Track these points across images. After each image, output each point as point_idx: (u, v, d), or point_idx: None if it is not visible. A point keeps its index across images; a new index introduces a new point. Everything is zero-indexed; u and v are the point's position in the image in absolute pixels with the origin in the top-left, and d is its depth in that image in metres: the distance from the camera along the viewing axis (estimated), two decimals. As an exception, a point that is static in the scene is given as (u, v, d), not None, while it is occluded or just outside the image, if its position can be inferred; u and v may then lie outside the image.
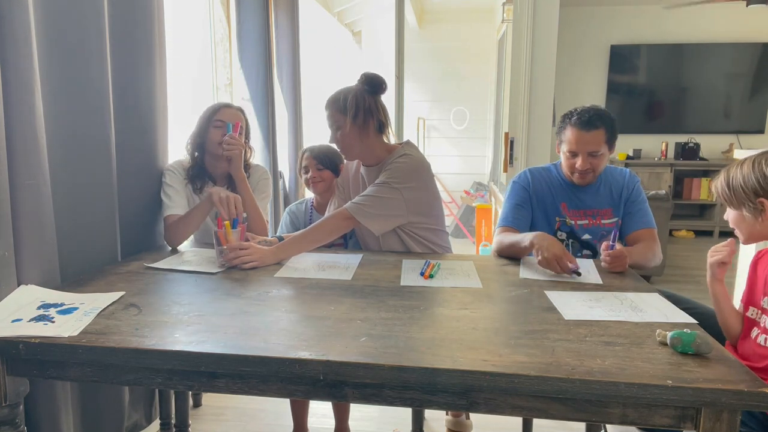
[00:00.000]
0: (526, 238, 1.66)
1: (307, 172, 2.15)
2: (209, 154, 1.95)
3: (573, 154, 1.83)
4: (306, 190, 2.14)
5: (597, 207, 1.90)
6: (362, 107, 1.76)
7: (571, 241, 1.92)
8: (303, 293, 1.39)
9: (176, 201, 1.89)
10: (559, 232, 1.92)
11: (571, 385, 0.92)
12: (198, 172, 1.96)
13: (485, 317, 1.21)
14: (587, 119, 1.78)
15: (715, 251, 1.41)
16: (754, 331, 1.35)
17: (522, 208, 1.92)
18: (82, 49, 1.52)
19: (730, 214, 1.41)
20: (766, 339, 1.31)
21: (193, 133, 1.95)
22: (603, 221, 1.90)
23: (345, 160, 2.03)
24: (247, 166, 2.03)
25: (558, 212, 1.92)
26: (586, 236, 1.91)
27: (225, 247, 1.60)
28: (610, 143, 1.82)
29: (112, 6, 1.64)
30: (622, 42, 6.04)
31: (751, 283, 1.41)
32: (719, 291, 1.42)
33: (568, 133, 1.82)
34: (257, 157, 2.93)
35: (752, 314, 1.38)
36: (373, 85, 1.78)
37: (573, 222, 1.91)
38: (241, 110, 2.02)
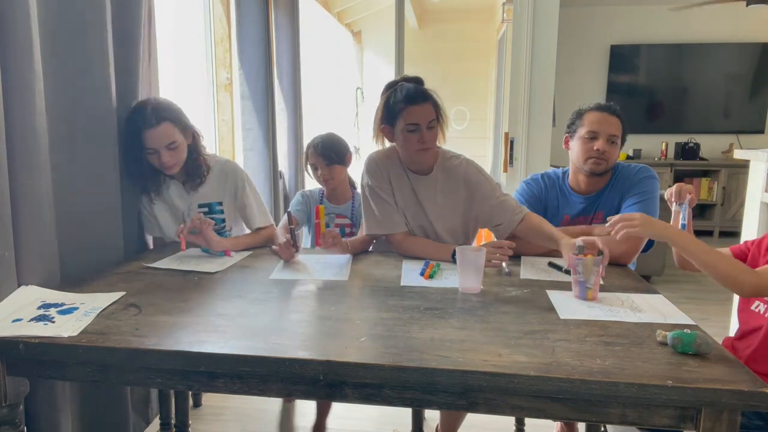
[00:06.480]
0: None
1: (316, 170, 2.07)
2: None
3: (593, 136, 1.81)
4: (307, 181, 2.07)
5: (599, 210, 1.88)
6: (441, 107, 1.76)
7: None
8: (303, 293, 1.39)
9: (150, 222, 1.90)
10: None
11: (570, 385, 0.92)
12: (151, 178, 1.79)
13: (485, 317, 1.21)
14: (609, 105, 1.85)
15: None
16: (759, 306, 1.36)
17: (531, 207, 1.90)
18: (83, 49, 1.51)
19: None
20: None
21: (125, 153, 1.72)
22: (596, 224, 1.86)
23: (370, 164, 1.79)
24: (201, 163, 1.82)
25: (557, 224, 1.88)
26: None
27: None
28: (623, 138, 1.84)
29: (113, 6, 1.63)
30: (622, 42, 6.04)
31: (755, 252, 1.39)
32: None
33: (589, 117, 1.83)
34: (258, 156, 2.92)
35: None
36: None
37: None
38: (165, 117, 1.68)
